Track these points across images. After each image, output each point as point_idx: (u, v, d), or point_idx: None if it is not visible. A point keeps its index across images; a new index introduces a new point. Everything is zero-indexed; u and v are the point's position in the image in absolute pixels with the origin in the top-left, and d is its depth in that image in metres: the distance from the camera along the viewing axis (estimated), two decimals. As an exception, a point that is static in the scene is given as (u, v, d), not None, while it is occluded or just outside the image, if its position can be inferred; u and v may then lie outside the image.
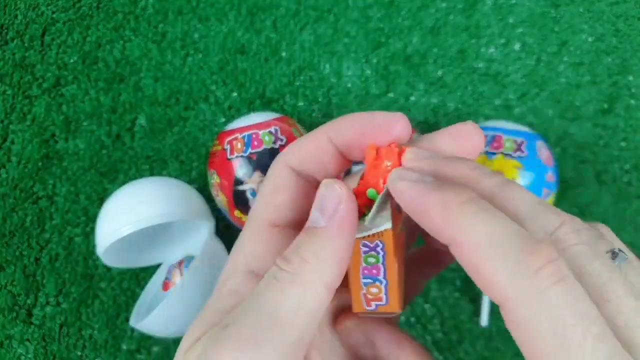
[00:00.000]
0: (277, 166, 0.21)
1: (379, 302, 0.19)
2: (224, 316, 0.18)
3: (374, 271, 0.19)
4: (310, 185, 0.21)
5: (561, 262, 0.14)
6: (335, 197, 0.19)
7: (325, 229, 0.18)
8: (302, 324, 0.17)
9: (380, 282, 0.19)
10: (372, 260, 0.19)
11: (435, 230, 0.16)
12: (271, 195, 0.21)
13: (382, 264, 0.19)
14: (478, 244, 0.15)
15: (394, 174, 0.18)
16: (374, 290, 0.19)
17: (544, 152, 0.39)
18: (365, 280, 0.19)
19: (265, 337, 0.16)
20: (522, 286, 0.14)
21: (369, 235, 0.18)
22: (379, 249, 0.19)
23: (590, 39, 0.48)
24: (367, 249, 0.19)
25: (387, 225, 0.18)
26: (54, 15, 0.50)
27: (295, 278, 0.18)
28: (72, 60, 0.49)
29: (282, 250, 0.19)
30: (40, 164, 0.47)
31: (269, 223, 0.21)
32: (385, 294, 0.19)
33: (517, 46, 0.48)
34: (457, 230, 0.15)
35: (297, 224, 0.21)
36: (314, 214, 0.19)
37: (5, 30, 0.50)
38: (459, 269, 0.45)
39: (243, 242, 0.21)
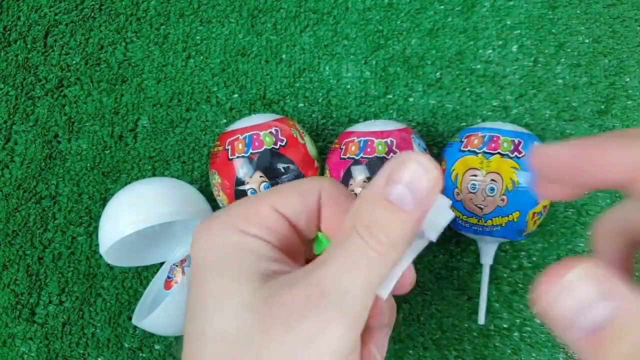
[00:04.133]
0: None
1: None
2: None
3: None
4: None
5: None
6: (429, 185, 0.17)
7: (412, 215, 0.18)
8: (371, 301, 0.18)
9: None
10: None
11: (611, 171, 0.16)
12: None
13: None
14: None
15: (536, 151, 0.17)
16: None
17: (540, 152, 0.40)
18: None
19: (351, 305, 0.18)
20: None
21: None
22: None
23: (587, 41, 0.49)
24: None
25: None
26: (57, 17, 0.50)
27: (382, 260, 0.18)
28: (74, 62, 0.50)
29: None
30: (43, 164, 0.48)
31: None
32: None
33: (514, 48, 0.49)
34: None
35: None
36: (399, 189, 0.18)
37: (8, 32, 0.50)
38: (457, 268, 0.45)
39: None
